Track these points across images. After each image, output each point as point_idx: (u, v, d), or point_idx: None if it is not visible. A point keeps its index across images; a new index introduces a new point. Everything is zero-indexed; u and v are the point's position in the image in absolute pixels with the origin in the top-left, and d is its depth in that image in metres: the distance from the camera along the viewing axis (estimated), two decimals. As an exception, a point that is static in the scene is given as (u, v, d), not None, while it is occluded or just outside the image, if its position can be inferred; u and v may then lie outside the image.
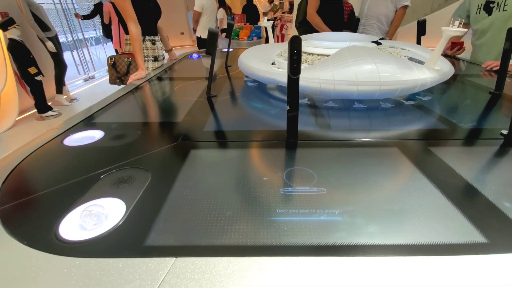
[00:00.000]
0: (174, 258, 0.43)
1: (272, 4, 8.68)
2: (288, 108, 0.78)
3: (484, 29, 1.82)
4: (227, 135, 0.90)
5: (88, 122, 0.98)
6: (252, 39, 5.16)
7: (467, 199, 0.57)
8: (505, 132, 0.86)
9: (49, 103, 3.71)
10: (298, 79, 0.76)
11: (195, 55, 2.26)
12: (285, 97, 0.78)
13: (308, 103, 1.16)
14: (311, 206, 0.55)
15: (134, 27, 1.61)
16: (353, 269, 0.41)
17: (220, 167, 0.70)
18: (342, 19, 2.71)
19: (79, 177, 0.65)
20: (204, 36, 4.25)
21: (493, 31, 1.76)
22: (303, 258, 0.43)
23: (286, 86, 0.77)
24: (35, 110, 3.59)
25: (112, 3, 1.61)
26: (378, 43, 1.48)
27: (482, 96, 1.27)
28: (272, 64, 1.34)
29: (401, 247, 0.45)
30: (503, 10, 1.69)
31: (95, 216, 0.53)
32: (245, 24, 5.67)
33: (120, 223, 0.52)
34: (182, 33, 6.08)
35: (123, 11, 1.59)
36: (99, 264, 0.43)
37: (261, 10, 10.44)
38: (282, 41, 6.41)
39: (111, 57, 1.71)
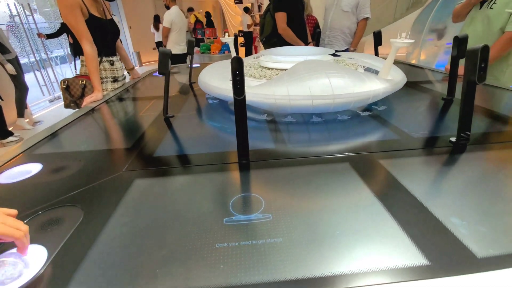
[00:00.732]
0: (87, 317, 0.38)
1: (252, 16, 8.85)
2: (236, 129, 0.76)
3: (467, 21, 1.88)
4: (177, 160, 0.86)
5: (27, 154, 0.90)
6: (224, 53, 5.19)
7: (411, 216, 0.56)
8: (453, 139, 0.87)
9: (10, 128, 3.51)
10: (244, 99, 0.74)
11: (160, 73, 2.21)
12: (247, 113, 0.75)
13: (267, 119, 1.14)
14: (253, 236, 0.52)
15: (89, 47, 1.54)
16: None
17: (162, 198, 0.65)
18: (305, 32, 2.77)
19: None
20: (175, 51, 4.21)
21: (475, 24, 1.82)
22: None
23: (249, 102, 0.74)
24: (-5, 136, 3.37)
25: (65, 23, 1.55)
26: (336, 55, 1.50)
27: (435, 103, 1.31)
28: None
29: (340, 277, 0.43)
30: (490, 8, 1.72)
31: (9, 265, 0.47)
32: (215, 38, 5.71)
33: (38, 274, 0.46)
34: (154, 48, 6.03)
35: (76, 31, 1.52)
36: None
37: (234, 24, 10.57)
38: (256, 53, 6.46)
39: (64, 80, 1.62)
